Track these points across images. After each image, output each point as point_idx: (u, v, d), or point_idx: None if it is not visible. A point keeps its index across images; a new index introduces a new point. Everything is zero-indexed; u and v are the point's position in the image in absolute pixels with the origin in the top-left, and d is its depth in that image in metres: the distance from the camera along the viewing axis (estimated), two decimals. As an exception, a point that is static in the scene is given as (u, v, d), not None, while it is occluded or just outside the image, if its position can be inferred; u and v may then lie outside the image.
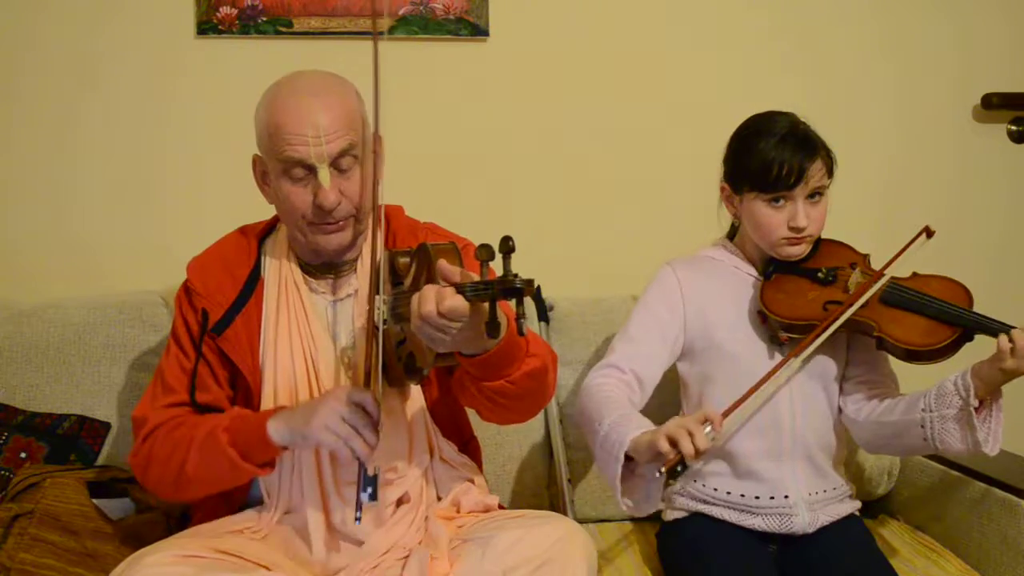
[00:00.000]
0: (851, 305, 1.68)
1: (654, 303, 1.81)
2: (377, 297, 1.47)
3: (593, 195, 2.39)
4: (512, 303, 1.23)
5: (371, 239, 1.63)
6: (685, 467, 1.49)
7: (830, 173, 1.74)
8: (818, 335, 1.67)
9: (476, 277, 1.28)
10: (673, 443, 1.48)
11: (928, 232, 1.73)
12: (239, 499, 1.64)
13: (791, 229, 1.71)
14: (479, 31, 2.31)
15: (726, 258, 1.84)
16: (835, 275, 1.75)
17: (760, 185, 1.71)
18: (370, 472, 1.41)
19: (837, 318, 1.67)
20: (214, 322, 1.59)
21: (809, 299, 1.72)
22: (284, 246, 1.68)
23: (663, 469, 1.49)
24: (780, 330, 1.73)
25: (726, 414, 1.57)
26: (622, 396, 1.70)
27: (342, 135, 1.52)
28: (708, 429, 1.50)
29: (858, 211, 2.25)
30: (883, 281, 1.70)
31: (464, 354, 1.37)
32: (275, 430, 1.46)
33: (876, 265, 1.76)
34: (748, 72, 2.41)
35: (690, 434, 1.47)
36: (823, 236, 1.79)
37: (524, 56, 2.34)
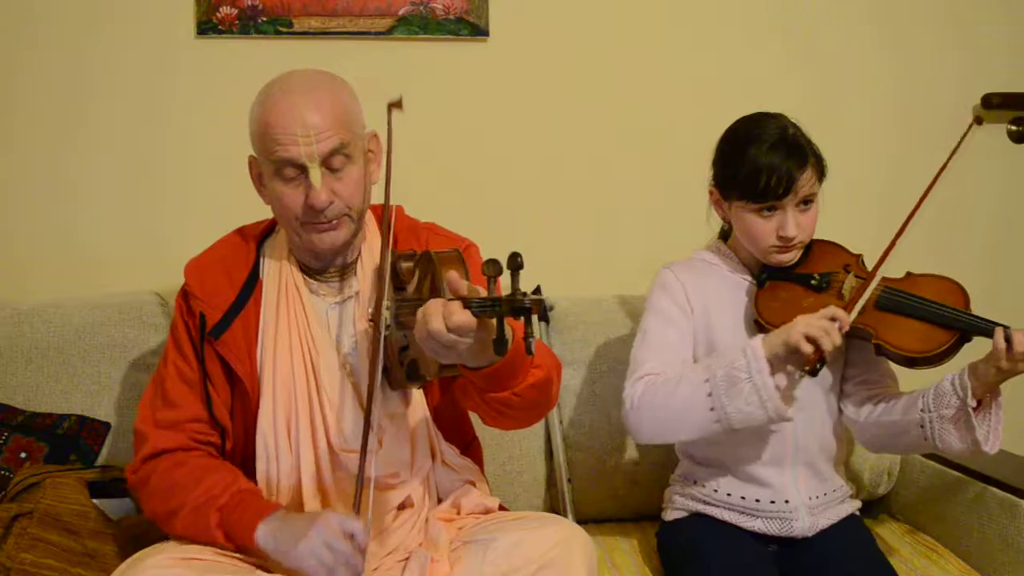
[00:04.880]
0: (849, 313, 1.66)
1: (666, 307, 1.78)
2: (383, 303, 1.45)
3: (593, 195, 2.38)
4: (520, 320, 1.22)
5: (368, 239, 1.63)
6: (824, 363, 1.56)
7: (821, 179, 1.72)
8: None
9: (482, 290, 1.27)
10: (812, 342, 1.55)
11: (978, 120, 1.75)
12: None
13: (780, 238, 1.70)
14: (479, 31, 2.31)
15: (721, 262, 1.83)
16: (829, 281, 1.74)
17: (749, 194, 1.68)
18: None
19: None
20: (211, 325, 1.57)
21: (804, 307, 1.69)
22: (284, 248, 1.65)
23: (806, 368, 1.57)
24: None
25: (848, 309, 1.63)
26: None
27: (332, 133, 1.51)
28: (837, 325, 1.57)
29: (857, 211, 2.24)
30: (875, 283, 1.69)
31: (468, 367, 1.36)
32: (263, 538, 1.43)
33: (870, 264, 1.74)
34: (748, 72, 2.40)
35: (826, 331, 1.54)
36: (815, 237, 1.77)
37: (524, 56, 2.34)
